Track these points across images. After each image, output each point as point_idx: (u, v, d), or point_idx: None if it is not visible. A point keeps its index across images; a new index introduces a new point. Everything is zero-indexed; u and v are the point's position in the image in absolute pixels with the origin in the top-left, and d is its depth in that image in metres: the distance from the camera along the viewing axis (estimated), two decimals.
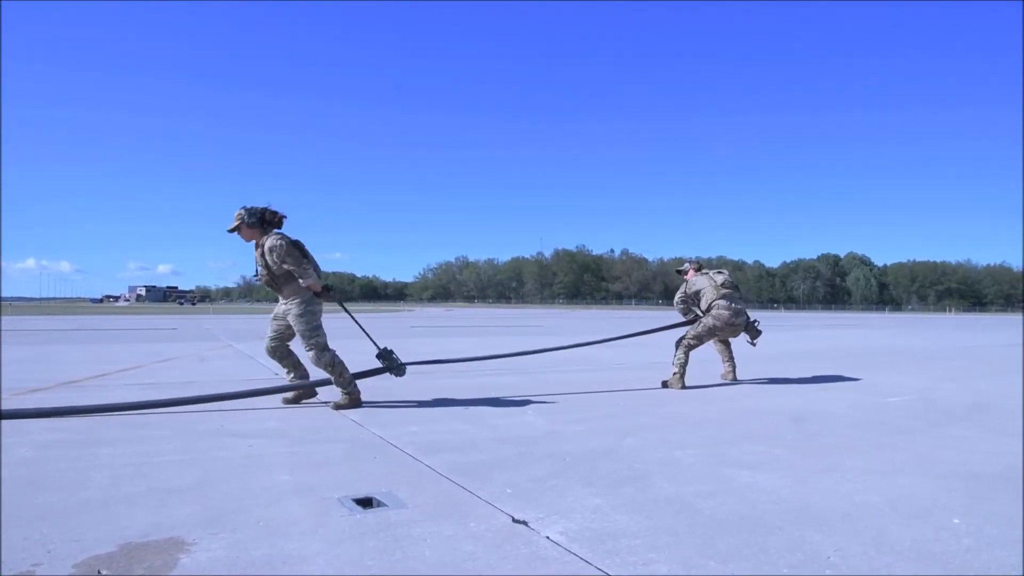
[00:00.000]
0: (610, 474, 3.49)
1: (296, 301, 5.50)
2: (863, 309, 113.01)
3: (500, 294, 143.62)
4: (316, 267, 5.62)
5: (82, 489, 3.18)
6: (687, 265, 7.75)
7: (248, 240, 5.59)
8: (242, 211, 5.51)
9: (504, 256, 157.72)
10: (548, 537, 2.54)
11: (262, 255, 5.48)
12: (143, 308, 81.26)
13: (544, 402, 5.95)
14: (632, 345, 12.77)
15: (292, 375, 5.91)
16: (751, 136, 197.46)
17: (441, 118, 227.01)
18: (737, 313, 7.15)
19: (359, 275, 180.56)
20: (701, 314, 7.33)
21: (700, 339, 7.24)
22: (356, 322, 6.32)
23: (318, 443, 4.21)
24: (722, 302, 7.14)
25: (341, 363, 5.55)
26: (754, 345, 7.63)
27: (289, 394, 5.78)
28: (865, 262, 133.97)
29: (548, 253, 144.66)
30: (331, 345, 5.57)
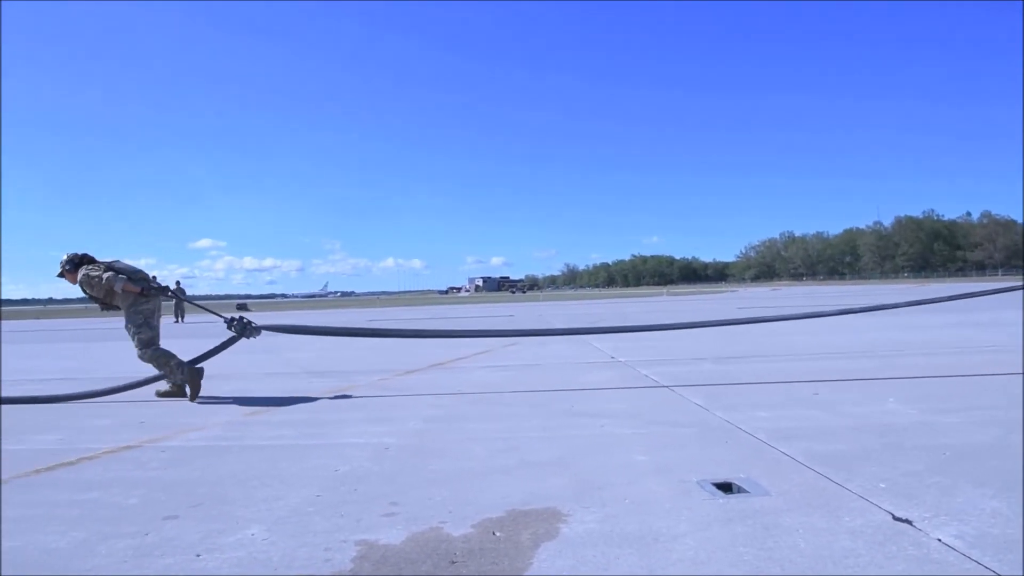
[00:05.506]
0: (1005, 473, 3.03)
1: (125, 306, 6.01)
2: None
3: (831, 270, 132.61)
4: (131, 272, 6.05)
5: (464, 459, 3.61)
6: None
7: (73, 283, 6.18)
8: (63, 259, 6.17)
9: (835, 228, 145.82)
10: (939, 539, 2.28)
11: (83, 292, 6.15)
12: (482, 297, 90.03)
13: (905, 388, 5.36)
14: (1007, 324, 10.98)
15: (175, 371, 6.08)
16: None
17: (760, 99, 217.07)
18: None
19: (677, 257, 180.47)
20: None
21: None
22: (195, 304, 8.00)
23: (666, 425, 4.28)
24: None
25: (164, 357, 5.94)
26: None
27: (162, 387, 6.10)
28: None
29: (887, 221, 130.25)
30: None
